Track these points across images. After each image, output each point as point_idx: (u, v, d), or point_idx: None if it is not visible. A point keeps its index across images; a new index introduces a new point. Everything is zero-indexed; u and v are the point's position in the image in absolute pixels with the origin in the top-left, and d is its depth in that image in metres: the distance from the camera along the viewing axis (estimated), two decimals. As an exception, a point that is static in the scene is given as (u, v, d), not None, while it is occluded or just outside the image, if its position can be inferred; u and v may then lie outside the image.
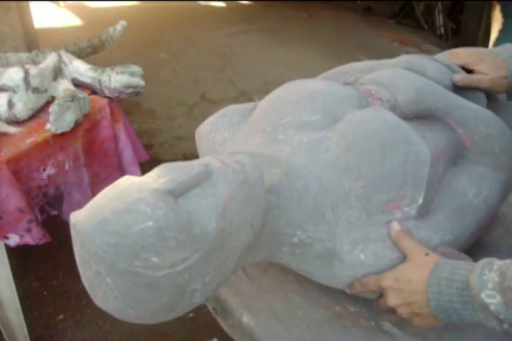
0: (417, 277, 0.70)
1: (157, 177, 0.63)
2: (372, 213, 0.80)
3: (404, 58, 1.07)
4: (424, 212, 0.81)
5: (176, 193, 0.61)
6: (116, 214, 0.58)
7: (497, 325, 0.62)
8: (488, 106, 1.02)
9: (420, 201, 0.80)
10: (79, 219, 0.60)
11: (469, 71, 1.03)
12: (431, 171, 0.81)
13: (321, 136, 0.83)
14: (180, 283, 0.61)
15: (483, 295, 0.61)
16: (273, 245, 0.80)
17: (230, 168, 0.68)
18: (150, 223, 0.57)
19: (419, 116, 0.91)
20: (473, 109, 0.93)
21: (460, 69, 1.04)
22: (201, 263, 0.62)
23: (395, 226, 0.78)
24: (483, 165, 0.90)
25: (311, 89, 0.91)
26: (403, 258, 0.76)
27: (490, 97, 1.06)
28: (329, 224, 0.78)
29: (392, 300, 0.73)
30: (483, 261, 0.65)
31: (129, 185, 0.61)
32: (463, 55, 1.06)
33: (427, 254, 0.73)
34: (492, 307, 0.61)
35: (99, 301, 0.64)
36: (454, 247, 0.80)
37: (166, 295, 0.61)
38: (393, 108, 0.89)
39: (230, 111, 0.98)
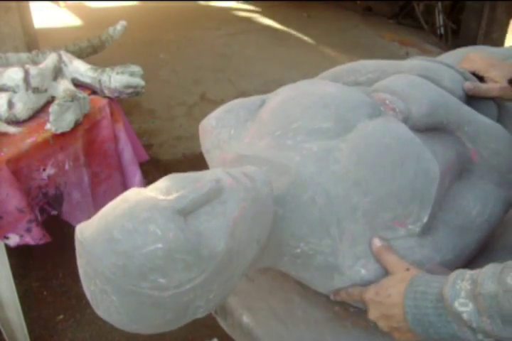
0: (395, 291, 0.70)
1: (166, 191, 0.62)
2: (377, 229, 0.78)
3: (419, 63, 1.03)
4: (427, 229, 0.80)
5: (185, 211, 0.60)
6: (125, 233, 0.57)
7: (471, 335, 0.61)
8: (498, 116, 1.01)
9: (425, 219, 0.79)
10: (86, 236, 0.59)
11: (481, 77, 1.02)
12: (438, 188, 0.80)
13: (332, 145, 0.81)
14: (185, 301, 0.61)
15: (456, 304, 0.61)
16: (275, 255, 0.79)
17: (241, 184, 0.66)
18: (160, 245, 0.56)
19: (431, 128, 0.89)
20: (485, 125, 0.91)
21: (473, 77, 1.02)
22: (207, 282, 0.61)
23: (376, 241, 0.77)
24: (488, 181, 0.89)
25: (323, 93, 0.87)
26: None
27: (499, 105, 1.03)
28: (333, 238, 0.77)
29: (372, 313, 0.74)
30: (456, 272, 0.65)
31: (137, 201, 0.59)
32: (475, 60, 1.04)
33: (407, 269, 0.73)
34: (465, 316, 0.61)
35: (101, 313, 0.63)
36: (454, 266, 0.79)
37: (170, 313, 0.61)
38: (406, 119, 0.87)
39: (237, 106, 0.94)
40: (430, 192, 0.79)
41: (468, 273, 0.64)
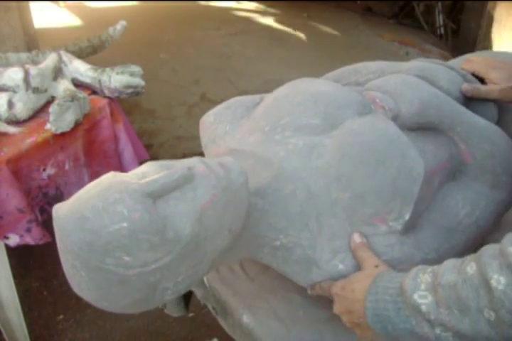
0: (360, 286, 0.70)
1: (142, 175, 0.65)
2: (357, 225, 0.79)
3: (419, 64, 1.03)
4: (410, 227, 0.80)
5: (155, 195, 0.63)
6: (94, 213, 0.60)
7: (429, 330, 0.61)
8: (500, 117, 1.00)
9: (407, 217, 0.79)
10: (60, 214, 0.62)
11: (481, 79, 1.00)
12: (424, 186, 0.80)
13: (317, 141, 0.82)
14: (151, 281, 0.63)
15: (415, 296, 0.61)
16: (254, 246, 0.81)
17: (213, 172, 0.68)
18: (125, 224, 0.59)
19: (423, 127, 0.89)
20: (480, 126, 0.90)
21: (474, 79, 1.00)
22: (174, 264, 0.64)
23: (356, 237, 0.78)
24: (481, 183, 0.88)
25: (315, 91, 0.89)
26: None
27: (501, 107, 1.01)
28: (311, 231, 0.78)
29: (336, 307, 0.74)
30: (418, 267, 0.65)
31: (110, 184, 0.63)
32: (475, 61, 1.02)
33: (376, 266, 0.73)
34: (424, 308, 0.60)
35: (76, 289, 0.66)
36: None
37: (137, 292, 0.63)
38: (395, 118, 0.88)
39: (236, 103, 0.97)
40: (413, 190, 0.79)
41: (430, 267, 0.64)
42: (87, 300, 0.67)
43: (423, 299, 0.60)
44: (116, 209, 0.59)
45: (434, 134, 0.90)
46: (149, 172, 0.66)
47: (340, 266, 0.77)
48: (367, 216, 0.79)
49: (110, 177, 0.65)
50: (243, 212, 0.73)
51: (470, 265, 0.57)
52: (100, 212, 0.59)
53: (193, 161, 0.70)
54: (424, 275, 0.62)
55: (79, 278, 0.63)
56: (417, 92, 0.90)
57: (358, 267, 0.76)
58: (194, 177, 0.66)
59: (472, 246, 0.87)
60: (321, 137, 0.83)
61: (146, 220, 0.60)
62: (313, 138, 0.83)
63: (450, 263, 0.61)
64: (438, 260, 0.79)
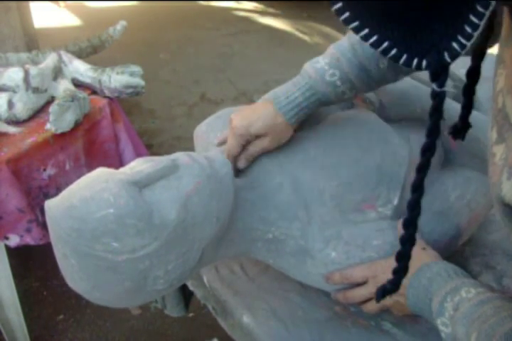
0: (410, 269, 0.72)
1: (129, 169, 0.68)
2: (346, 212, 0.80)
3: None
4: (402, 214, 0.81)
5: (141, 184, 0.65)
6: (82, 201, 0.62)
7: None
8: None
9: (395, 202, 0.80)
10: (51, 205, 0.65)
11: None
12: (412, 173, 0.82)
13: (301, 135, 0.85)
14: (141, 268, 0.64)
15: (438, 321, 0.63)
16: (248, 240, 0.82)
17: (196, 162, 0.70)
18: (111, 210, 0.61)
19: (407, 117, 0.92)
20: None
21: (458, 77, 1.01)
22: (162, 251, 0.65)
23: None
24: (471, 168, 0.90)
25: None
26: (374, 257, 0.77)
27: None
28: (302, 221, 0.80)
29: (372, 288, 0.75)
30: (452, 286, 0.65)
31: (98, 176, 0.65)
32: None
33: (423, 248, 0.74)
34: (443, 335, 0.62)
35: (69, 282, 0.67)
36: (433, 249, 0.81)
37: (128, 280, 0.64)
38: (378, 110, 0.91)
39: (226, 112, 1.01)
40: (398, 174, 0.81)
41: (458, 294, 0.64)
42: (80, 293, 0.68)
43: (444, 327, 0.62)
44: (102, 197, 0.62)
45: (420, 124, 0.92)
46: (136, 166, 0.68)
47: (333, 254, 0.79)
48: (355, 203, 0.80)
49: (99, 171, 0.68)
50: (229, 200, 0.75)
51: (474, 336, 0.57)
52: (87, 200, 0.62)
53: (178, 154, 0.73)
54: (449, 304, 0.63)
55: (71, 268, 0.64)
56: (397, 84, 0.93)
57: (352, 253, 0.77)
58: (178, 168, 0.69)
59: (467, 230, 0.88)
60: (305, 132, 0.85)
61: (131, 205, 0.62)
62: (298, 134, 0.85)
63: (467, 309, 0.60)
64: (432, 243, 0.81)
